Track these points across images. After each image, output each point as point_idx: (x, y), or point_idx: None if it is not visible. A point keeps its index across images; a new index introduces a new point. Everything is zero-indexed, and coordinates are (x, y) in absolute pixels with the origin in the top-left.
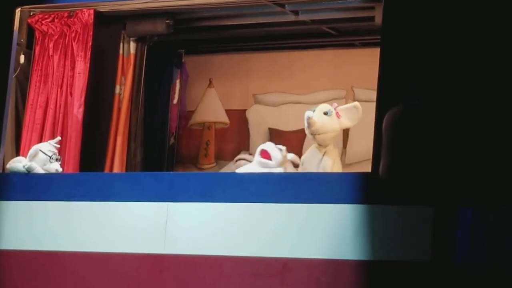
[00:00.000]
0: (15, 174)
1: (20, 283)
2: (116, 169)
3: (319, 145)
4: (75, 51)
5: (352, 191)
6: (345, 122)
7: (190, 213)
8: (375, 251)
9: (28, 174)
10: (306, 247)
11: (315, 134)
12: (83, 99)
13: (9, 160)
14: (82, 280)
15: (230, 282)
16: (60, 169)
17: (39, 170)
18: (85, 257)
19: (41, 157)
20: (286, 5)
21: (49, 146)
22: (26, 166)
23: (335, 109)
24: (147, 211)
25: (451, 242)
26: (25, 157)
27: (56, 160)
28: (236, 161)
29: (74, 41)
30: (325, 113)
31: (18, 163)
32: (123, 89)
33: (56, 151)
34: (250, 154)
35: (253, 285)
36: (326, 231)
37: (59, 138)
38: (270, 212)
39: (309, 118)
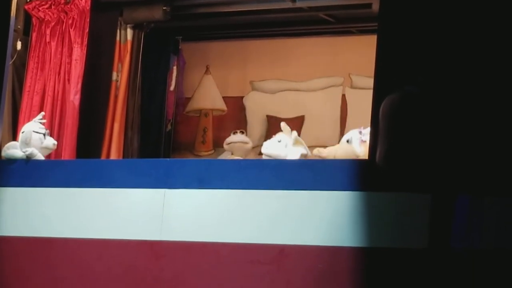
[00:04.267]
0: (13, 160)
1: (18, 269)
2: (113, 156)
3: None
4: (72, 38)
5: (350, 178)
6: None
7: (187, 199)
8: (372, 238)
9: (26, 161)
10: (303, 234)
11: None
12: (80, 86)
13: None
14: (79, 267)
15: (227, 269)
16: (55, 142)
17: (40, 157)
18: (82, 243)
19: (36, 137)
20: None
21: (38, 125)
22: (27, 153)
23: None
24: (144, 197)
25: (448, 229)
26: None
27: (49, 135)
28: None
29: (71, 28)
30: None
31: (15, 150)
32: (120, 75)
33: (43, 126)
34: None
35: (250, 271)
36: (323, 218)
37: (42, 113)
38: (267, 199)
39: None
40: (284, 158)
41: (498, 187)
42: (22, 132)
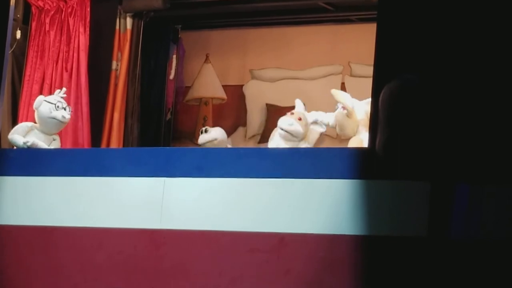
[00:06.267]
0: (13, 149)
1: (18, 258)
2: (113, 145)
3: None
4: (71, 27)
5: (349, 166)
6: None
7: (187, 188)
8: (371, 226)
9: (26, 150)
10: (303, 222)
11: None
12: None
13: (6, 136)
14: (79, 255)
15: (226, 257)
16: (68, 116)
17: (41, 145)
18: (82, 232)
19: (46, 105)
20: None
21: (54, 96)
22: (28, 144)
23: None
24: (144, 186)
25: (448, 217)
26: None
27: (63, 108)
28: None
29: (70, 17)
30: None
31: (17, 136)
32: (120, 64)
33: (62, 100)
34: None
35: (250, 259)
36: (323, 206)
37: (64, 89)
38: (267, 187)
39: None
40: (303, 135)
41: (498, 176)
42: None
